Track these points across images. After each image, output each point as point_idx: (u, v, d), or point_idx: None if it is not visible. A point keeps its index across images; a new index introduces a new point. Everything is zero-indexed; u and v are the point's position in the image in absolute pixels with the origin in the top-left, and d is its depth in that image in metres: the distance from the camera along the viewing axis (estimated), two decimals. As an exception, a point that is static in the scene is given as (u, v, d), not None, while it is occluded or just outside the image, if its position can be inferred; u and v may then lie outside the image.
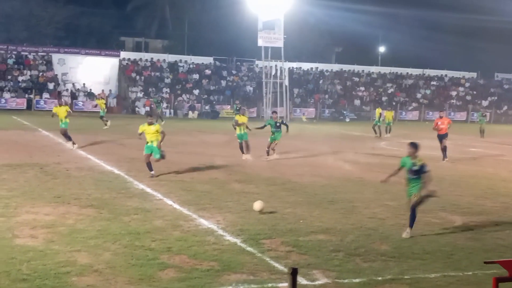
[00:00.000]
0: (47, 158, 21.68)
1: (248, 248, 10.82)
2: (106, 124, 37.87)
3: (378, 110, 40.36)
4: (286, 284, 7.92)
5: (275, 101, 59.36)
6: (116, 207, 13.83)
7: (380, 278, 9.53)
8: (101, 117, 39.03)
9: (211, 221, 12.77)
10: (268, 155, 23.82)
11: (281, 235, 11.83)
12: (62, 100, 30.50)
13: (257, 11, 58.23)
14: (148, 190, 16.21)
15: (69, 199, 14.45)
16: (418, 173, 12.22)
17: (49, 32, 72.69)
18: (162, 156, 18.79)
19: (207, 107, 60.50)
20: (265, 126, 24.37)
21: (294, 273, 5.87)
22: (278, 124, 23.86)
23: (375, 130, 38.68)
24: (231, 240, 11.36)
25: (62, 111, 25.58)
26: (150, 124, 18.90)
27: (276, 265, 9.94)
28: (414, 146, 12.45)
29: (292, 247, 11.02)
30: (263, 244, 11.14)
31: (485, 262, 6.94)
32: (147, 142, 18.72)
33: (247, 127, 23.72)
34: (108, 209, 13.55)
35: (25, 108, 54.35)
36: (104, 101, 42.67)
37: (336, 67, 76.16)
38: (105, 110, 40.76)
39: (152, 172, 18.38)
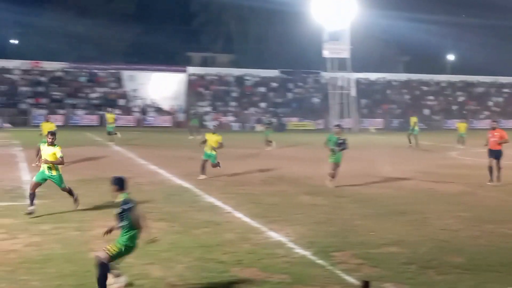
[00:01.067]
0: (119, 172, 22.04)
1: (319, 261, 10.76)
2: (116, 135, 36.70)
3: (413, 119, 38.73)
4: (358, 297, 7.82)
5: (342, 112, 59.04)
6: (187, 220, 14.02)
7: (455, 291, 9.32)
8: (109, 133, 36.93)
9: (281, 233, 12.77)
10: (333, 177, 19.59)
11: (352, 248, 11.72)
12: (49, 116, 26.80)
13: (323, 22, 58.16)
14: (218, 203, 16.35)
15: (141, 213, 14.70)
16: (121, 216, 8.90)
17: (119, 50, 74.81)
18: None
19: (274, 120, 60.66)
20: (328, 144, 19.72)
21: (366, 286, 5.83)
22: (340, 141, 19.37)
23: (409, 139, 37.53)
24: (301, 252, 11.32)
25: (47, 128, 23.32)
26: (50, 144, 14.62)
27: (347, 278, 9.85)
28: (115, 182, 9.13)
29: (363, 260, 10.90)
30: (334, 257, 11.05)
31: None
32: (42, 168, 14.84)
33: (214, 148, 21.05)
34: (179, 222, 13.75)
35: (97, 124, 55.77)
36: (113, 116, 39.74)
37: (403, 76, 75.25)
38: (113, 124, 37.94)
39: (32, 208, 14.30)
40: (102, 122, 56.67)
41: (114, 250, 8.80)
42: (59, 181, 14.83)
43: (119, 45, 75.89)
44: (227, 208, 15.65)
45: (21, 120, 55.02)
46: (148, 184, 19.57)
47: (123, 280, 9.08)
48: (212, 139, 21.03)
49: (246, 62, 75.36)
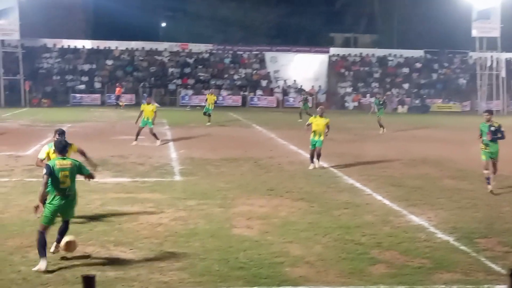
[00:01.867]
0: (260, 152, 22.60)
1: (462, 247, 10.44)
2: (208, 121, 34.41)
3: None
4: (504, 286, 7.50)
5: (491, 94, 56.43)
6: (326, 201, 14.07)
7: None
8: (205, 113, 34.86)
9: (422, 217, 12.50)
10: (489, 184, 15.54)
11: (498, 235, 11.25)
12: (151, 98, 28.02)
13: (471, 0, 55.73)
14: (357, 185, 16.26)
15: (281, 192, 14.96)
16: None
17: (262, 32, 75.85)
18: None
19: (417, 101, 59.12)
20: (481, 135, 15.76)
21: (513, 275, 5.57)
22: (494, 129, 15.46)
23: None
24: (443, 237, 11.03)
25: (148, 110, 24.35)
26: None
27: (493, 265, 9.48)
28: (58, 146, 9.42)
29: (510, 248, 10.43)
30: (478, 243, 10.67)
31: None
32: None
33: (324, 134, 19.13)
34: (319, 202, 13.83)
35: (240, 105, 57.05)
36: (214, 97, 36.93)
37: (560, 55, 70.35)
38: (210, 106, 34.94)
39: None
40: (245, 102, 57.95)
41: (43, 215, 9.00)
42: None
43: (263, 27, 76.94)
44: (367, 190, 15.53)
45: (170, 100, 57.39)
46: (288, 164, 19.82)
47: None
48: (320, 122, 19.11)
49: (389, 43, 73.74)
